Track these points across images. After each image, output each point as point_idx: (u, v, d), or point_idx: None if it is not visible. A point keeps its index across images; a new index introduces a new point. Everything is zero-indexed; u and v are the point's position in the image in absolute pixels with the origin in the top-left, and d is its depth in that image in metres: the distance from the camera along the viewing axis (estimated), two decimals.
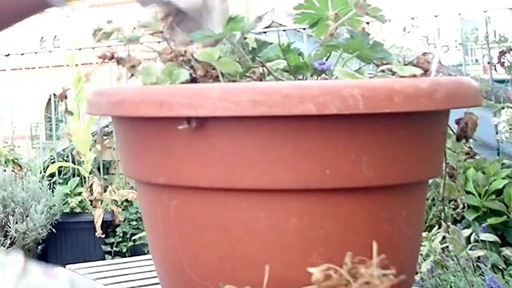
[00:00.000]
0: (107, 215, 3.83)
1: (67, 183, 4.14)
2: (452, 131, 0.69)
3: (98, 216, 3.75)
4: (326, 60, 0.67)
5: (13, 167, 4.00)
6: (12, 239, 3.63)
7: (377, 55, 0.65)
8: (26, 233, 3.63)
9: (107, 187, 4.16)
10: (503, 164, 2.82)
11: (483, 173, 2.72)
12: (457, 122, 0.68)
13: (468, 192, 2.64)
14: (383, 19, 0.67)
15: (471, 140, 0.69)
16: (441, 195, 0.71)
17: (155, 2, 0.73)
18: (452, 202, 0.74)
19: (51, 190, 3.95)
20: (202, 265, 0.60)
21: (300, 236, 0.57)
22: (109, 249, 3.90)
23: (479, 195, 2.64)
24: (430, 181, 0.70)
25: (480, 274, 2.03)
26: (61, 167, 4.15)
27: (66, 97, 0.65)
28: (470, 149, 0.69)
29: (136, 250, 3.72)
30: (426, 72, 0.66)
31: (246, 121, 0.55)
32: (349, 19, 0.69)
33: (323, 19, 0.71)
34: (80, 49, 4.09)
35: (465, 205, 0.73)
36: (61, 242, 3.93)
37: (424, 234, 2.08)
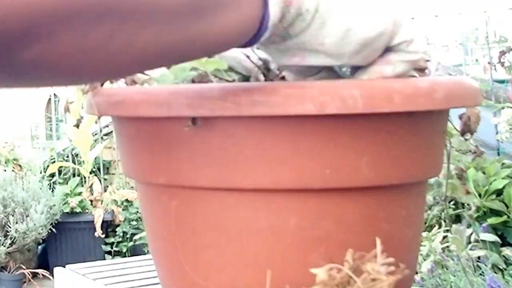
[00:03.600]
0: (107, 215, 3.84)
1: (67, 183, 4.14)
2: (456, 129, 0.69)
3: (98, 216, 3.75)
4: None
5: (13, 167, 4.01)
6: (12, 239, 3.63)
7: None
8: (26, 233, 3.63)
9: (107, 187, 4.16)
10: (503, 164, 2.82)
11: (483, 173, 2.72)
12: (460, 117, 0.68)
13: (468, 192, 2.63)
14: None
15: (471, 140, 0.69)
16: (443, 195, 0.71)
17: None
18: (452, 202, 0.74)
19: (51, 190, 3.96)
20: (202, 265, 0.60)
21: (300, 236, 0.57)
22: (109, 249, 3.90)
23: (479, 195, 2.64)
24: (433, 180, 0.70)
25: (480, 274, 2.04)
26: (61, 167, 4.15)
27: (69, 110, 0.65)
28: (477, 148, 0.69)
29: (136, 250, 3.73)
30: (423, 70, 0.66)
31: (246, 121, 0.55)
32: None
33: None
34: None
35: (466, 205, 0.73)
36: (61, 242, 3.93)
37: (424, 234, 2.08)
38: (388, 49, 0.55)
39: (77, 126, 0.66)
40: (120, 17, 0.38)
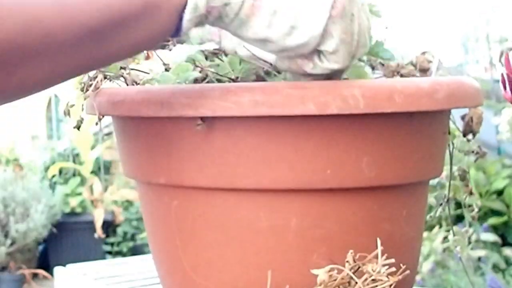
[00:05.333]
0: (107, 215, 3.84)
1: (67, 183, 4.14)
2: (459, 129, 0.68)
3: (98, 216, 3.75)
4: None
5: (13, 167, 4.01)
6: (13, 239, 3.63)
7: (381, 54, 0.65)
8: (27, 233, 3.63)
9: (108, 187, 4.15)
10: (503, 164, 2.82)
11: (484, 173, 2.72)
12: (462, 117, 0.68)
13: (471, 193, 2.63)
14: (378, 15, 0.67)
15: (472, 140, 0.69)
16: (446, 196, 0.71)
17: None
18: (453, 202, 0.73)
19: (51, 190, 3.96)
20: (203, 265, 0.60)
21: (301, 236, 0.57)
22: (109, 249, 3.90)
23: (480, 195, 2.64)
24: (435, 181, 0.70)
25: (481, 274, 2.04)
26: (62, 167, 4.16)
27: (69, 114, 0.66)
28: (479, 148, 0.69)
29: (137, 250, 3.72)
30: (425, 71, 0.66)
31: (247, 121, 0.55)
32: None
33: None
34: None
35: (468, 206, 0.73)
36: (61, 242, 3.93)
37: (425, 234, 2.08)
38: (316, 51, 0.56)
39: (78, 128, 0.66)
40: (26, 60, 0.45)
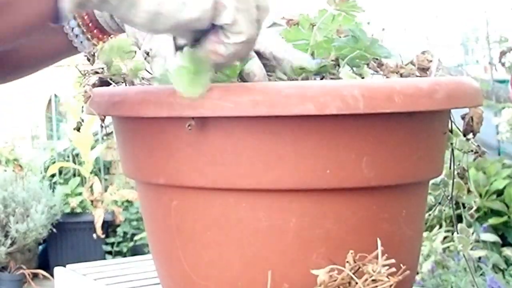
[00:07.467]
0: (107, 215, 3.83)
1: (67, 183, 4.14)
2: (459, 129, 0.68)
3: (98, 216, 3.75)
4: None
5: (13, 167, 4.01)
6: (13, 239, 3.63)
7: (377, 52, 0.65)
8: (27, 233, 3.63)
9: (108, 187, 4.14)
10: (503, 164, 2.82)
11: (484, 173, 2.72)
12: (463, 117, 0.68)
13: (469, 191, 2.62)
14: (359, 10, 0.67)
15: (472, 140, 0.69)
16: (449, 194, 0.71)
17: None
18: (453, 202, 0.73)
19: (51, 190, 3.96)
20: (202, 265, 0.60)
21: (300, 236, 0.57)
22: (109, 249, 3.90)
23: (480, 195, 2.64)
24: (438, 179, 0.70)
25: (481, 274, 2.03)
26: (62, 167, 4.15)
27: (79, 130, 0.67)
28: (478, 147, 0.69)
29: (137, 250, 3.72)
30: (425, 70, 0.66)
31: (247, 121, 0.55)
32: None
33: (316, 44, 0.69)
34: None
35: (467, 204, 0.72)
36: (61, 242, 3.93)
37: (425, 234, 2.08)
38: (219, 27, 0.55)
39: (78, 129, 0.66)
40: None
